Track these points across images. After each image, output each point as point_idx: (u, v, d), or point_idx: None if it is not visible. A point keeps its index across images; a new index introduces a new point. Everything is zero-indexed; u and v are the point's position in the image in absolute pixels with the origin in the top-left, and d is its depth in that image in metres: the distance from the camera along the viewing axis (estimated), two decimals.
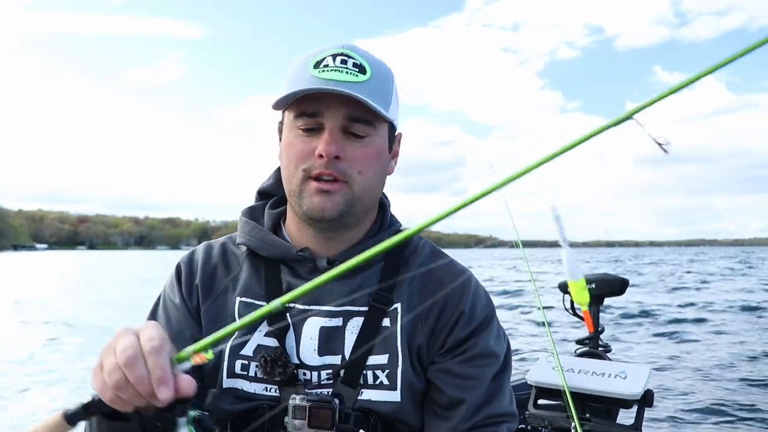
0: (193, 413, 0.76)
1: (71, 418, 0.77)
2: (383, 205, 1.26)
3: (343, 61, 1.08)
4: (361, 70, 1.09)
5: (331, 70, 1.07)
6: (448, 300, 1.16)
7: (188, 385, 0.75)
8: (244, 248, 1.23)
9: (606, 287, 3.07)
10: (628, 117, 0.66)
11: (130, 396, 0.74)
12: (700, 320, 12.01)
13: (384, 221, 1.24)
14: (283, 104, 1.11)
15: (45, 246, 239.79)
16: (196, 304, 1.19)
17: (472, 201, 0.70)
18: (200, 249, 1.27)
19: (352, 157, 1.09)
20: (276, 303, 0.74)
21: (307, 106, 1.08)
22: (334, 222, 1.13)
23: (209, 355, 0.74)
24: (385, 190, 1.25)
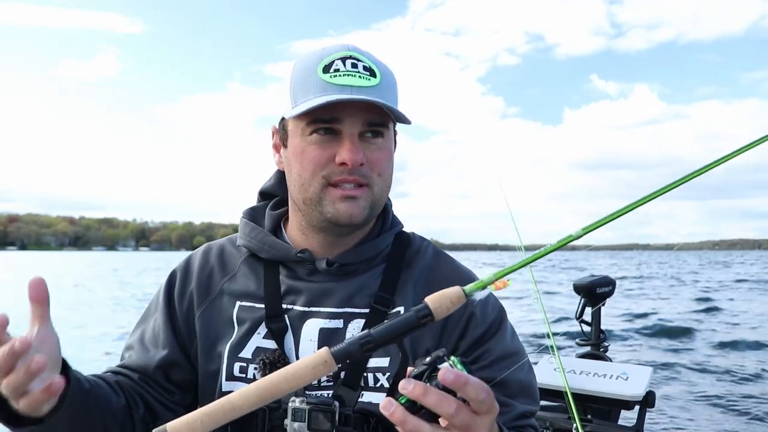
0: (455, 357, 0.79)
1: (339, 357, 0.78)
2: (385, 206, 1.25)
3: (354, 65, 1.07)
4: (372, 73, 1.08)
5: (343, 75, 1.06)
6: None
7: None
8: (244, 250, 1.24)
9: (606, 288, 3.08)
10: None
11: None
12: (696, 323, 11.98)
13: (386, 223, 1.24)
14: (306, 113, 1.07)
15: None
16: (186, 309, 1.21)
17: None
18: (198, 253, 1.28)
19: (372, 160, 1.10)
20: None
21: (323, 113, 1.06)
22: (357, 227, 1.13)
23: (510, 282, 0.78)
24: None
